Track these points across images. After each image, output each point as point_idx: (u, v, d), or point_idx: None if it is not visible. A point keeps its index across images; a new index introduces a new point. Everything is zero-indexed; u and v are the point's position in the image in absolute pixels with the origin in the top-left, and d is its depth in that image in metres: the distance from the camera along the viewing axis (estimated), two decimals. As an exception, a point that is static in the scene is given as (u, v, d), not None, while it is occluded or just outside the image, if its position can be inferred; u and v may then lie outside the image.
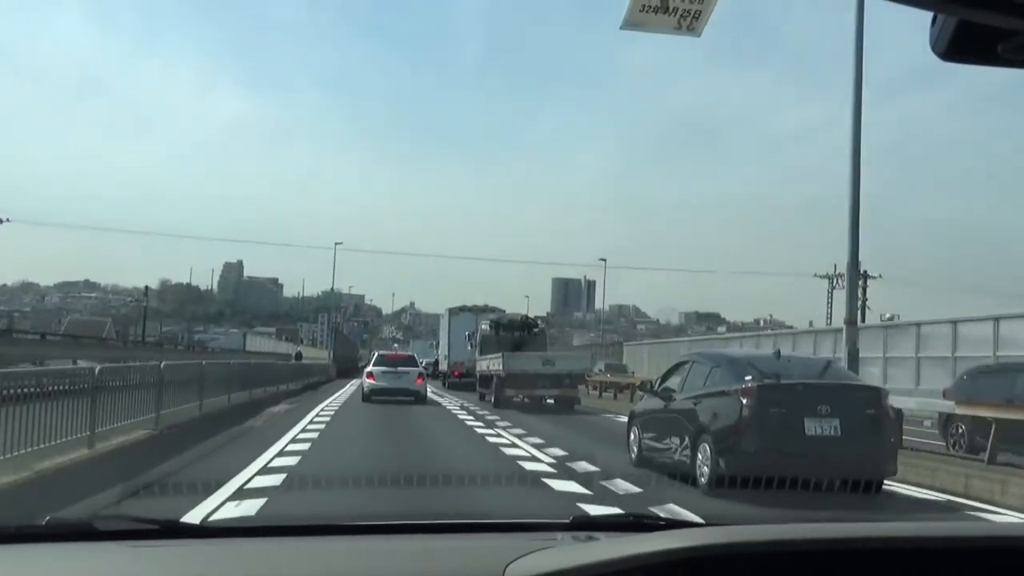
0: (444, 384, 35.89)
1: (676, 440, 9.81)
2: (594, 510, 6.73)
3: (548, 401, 23.22)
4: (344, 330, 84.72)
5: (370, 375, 24.06)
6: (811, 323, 53.56)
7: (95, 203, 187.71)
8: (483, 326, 28.71)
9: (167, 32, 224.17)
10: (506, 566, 1.57)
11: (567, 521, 2.18)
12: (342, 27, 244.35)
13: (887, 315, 36.76)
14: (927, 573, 1.57)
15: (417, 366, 25.15)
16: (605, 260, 60.80)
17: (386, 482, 7.22)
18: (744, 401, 8.90)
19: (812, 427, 8.71)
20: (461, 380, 32.67)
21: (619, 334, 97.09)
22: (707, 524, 2.15)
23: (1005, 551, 1.62)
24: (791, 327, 59.90)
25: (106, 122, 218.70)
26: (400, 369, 24.24)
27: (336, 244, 63.37)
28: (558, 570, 1.53)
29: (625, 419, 19.30)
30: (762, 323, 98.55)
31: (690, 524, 2.37)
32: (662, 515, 4.54)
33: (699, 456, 9.09)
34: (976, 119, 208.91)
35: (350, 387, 31.58)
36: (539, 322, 30.36)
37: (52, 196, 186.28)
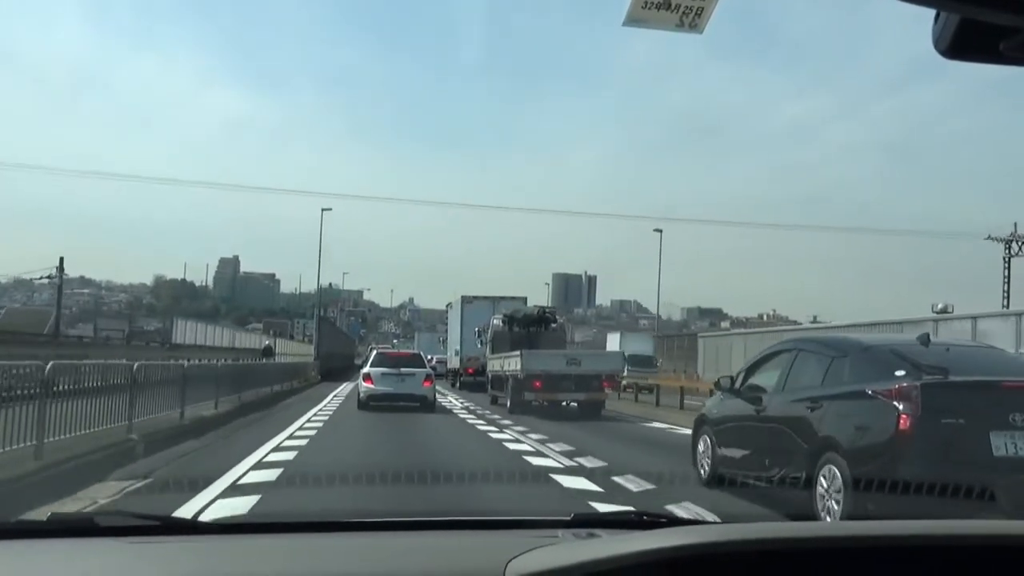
0: (454, 384, 32.70)
1: (778, 458, 7.52)
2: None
3: (572, 405, 20.56)
4: (343, 325, 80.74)
5: (367, 378, 20.29)
6: (815, 318, 53.03)
7: (91, 200, 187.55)
8: (495, 320, 25.69)
9: (165, 29, 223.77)
10: (507, 563, 1.57)
11: (568, 518, 2.18)
12: (342, 24, 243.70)
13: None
14: (942, 572, 1.56)
15: (424, 366, 21.24)
16: (661, 231, 51.48)
17: (387, 479, 7.14)
18: (900, 407, 6.42)
19: (1003, 445, 6.20)
20: (475, 379, 29.19)
21: (619, 329, 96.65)
22: (710, 521, 2.16)
23: (1007, 549, 1.61)
24: (796, 322, 59.26)
25: (103, 119, 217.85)
26: (404, 371, 20.47)
27: (323, 210, 49.10)
28: (559, 567, 1.52)
29: (659, 425, 17.95)
30: (765, 318, 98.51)
31: (692, 521, 2.38)
32: (663, 513, 4.54)
33: (821, 483, 6.75)
34: None
35: (336, 399, 23.42)
36: (557, 316, 27.06)
37: (48, 193, 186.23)
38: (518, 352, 20.72)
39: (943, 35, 1.06)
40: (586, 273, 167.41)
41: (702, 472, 8.94)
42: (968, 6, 1.00)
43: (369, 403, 19.64)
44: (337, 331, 63.95)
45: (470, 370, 30.51)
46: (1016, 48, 1.04)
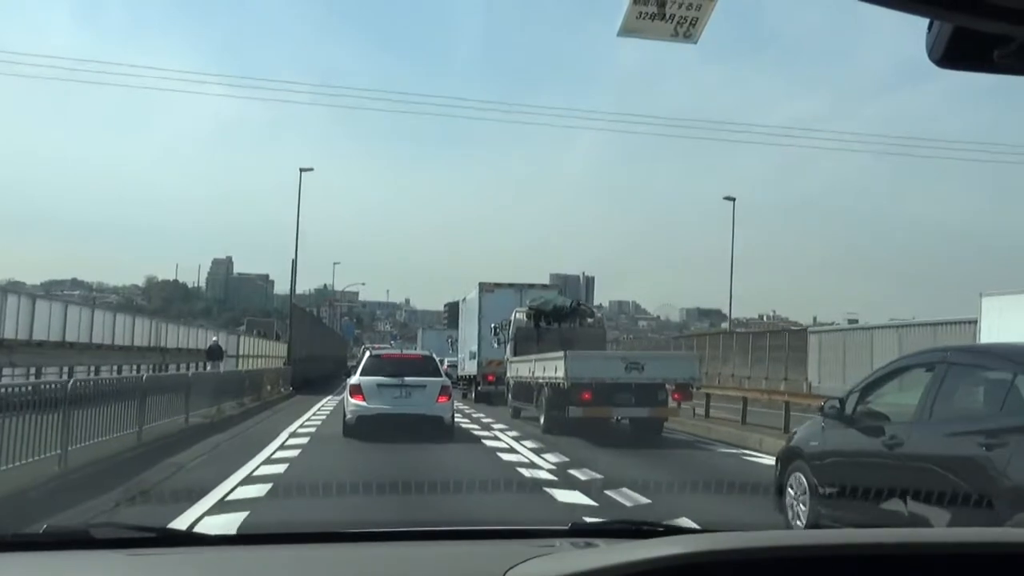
0: (466, 395, 26.39)
1: (931, 513, 5.57)
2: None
3: (622, 421, 16.28)
4: (336, 326, 76.11)
5: (356, 391, 14.43)
6: (815, 319, 52.99)
7: (84, 202, 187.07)
8: (518, 314, 21.05)
9: (154, 30, 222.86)
10: (505, 572, 1.57)
11: (566, 528, 2.19)
12: (336, 23, 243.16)
13: None
14: None
15: (439, 373, 15.45)
16: (734, 199, 41.28)
17: (384, 489, 7.10)
18: None
19: None
20: (497, 388, 23.50)
21: (620, 331, 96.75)
22: (706, 530, 2.16)
23: (1002, 557, 1.61)
24: (796, 323, 58.47)
25: (94, 120, 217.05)
26: (409, 380, 14.60)
27: (302, 170, 39.00)
28: None
29: (759, 456, 12.68)
30: (765, 319, 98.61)
31: (690, 530, 2.37)
32: (661, 523, 4.53)
33: None
34: None
35: (300, 438, 13.82)
36: (595, 310, 22.82)
37: (40, 196, 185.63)
38: (561, 353, 15.73)
39: (937, 44, 1.06)
40: (584, 274, 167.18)
41: (796, 522, 6.93)
42: (962, 15, 0.99)
43: (359, 427, 13.95)
44: (323, 328, 52.96)
45: (490, 377, 24.55)
46: (1010, 57, 1.03)
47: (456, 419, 16.01)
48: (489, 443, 14.01)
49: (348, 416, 14.41)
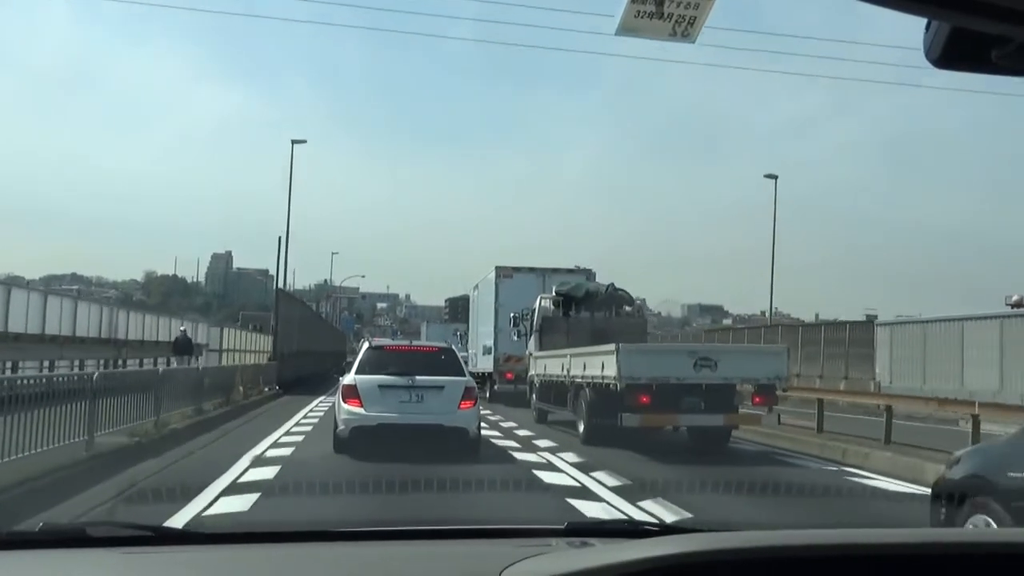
0: (482, 394, 18.93)
1: None
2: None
3: (678, 429, 13.53)
4: (335, 321, 73.73)
5: (350, 394, 11.24)
6: (816, 315, 52.76)
7: (83, 198, 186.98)
8: (543, 302, 18.27)
9: (153, 25, 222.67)
10: (501, 572, 1.56)
11: (562, 527, 2.17)
12: (333, 19, 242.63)
13: None
14: None
15: (461, 372, 12.01)
16: (776, 176, 35.80)
17: (380, 488, 7.00)
18: None
19: None
20: (517, 387, 20.74)
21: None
22: (702, 530, 2.15)
23: (1000, 557, 1.60)
24: (799, 319, 57.94)
25: (92, 117, 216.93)
26: (421, 380, 11.29)
27: (294, 142, 35.19)
28: None
29: (887, 482, 10.04)
30: (766, 315, 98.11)
31: (685, 530, 2.37)
32: (656, 521, 4.55)
33: None
34: None
35: (269, 467, 9.66)
36: (634, 298, 19.28)
37: (41, 192, 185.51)
38: (611, 347, 12.70)
39: (934, 45, 1.05)
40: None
41: None
42: (960, 15, 0.97)
43: (354, 442, 10.86)
44: (316, 318, 47.63)
45: (509, 375, 21.87)
46: (1008, 57, 1.02)
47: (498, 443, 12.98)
48: (520, 456, 11.61)
49: (340, 427, 11.15)
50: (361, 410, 11.07)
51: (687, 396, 12.50)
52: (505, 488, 8.60)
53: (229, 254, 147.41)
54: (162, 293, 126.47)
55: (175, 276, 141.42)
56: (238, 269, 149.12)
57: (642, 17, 3.03)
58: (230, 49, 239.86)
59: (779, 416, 15.84)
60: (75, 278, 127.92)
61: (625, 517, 6.65)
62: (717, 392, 12.62)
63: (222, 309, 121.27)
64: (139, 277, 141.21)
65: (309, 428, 14.55)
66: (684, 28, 2.95)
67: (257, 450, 11.09)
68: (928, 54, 1.06)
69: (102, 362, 24.35)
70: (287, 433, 13.58)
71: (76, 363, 22.65)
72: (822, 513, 8.03)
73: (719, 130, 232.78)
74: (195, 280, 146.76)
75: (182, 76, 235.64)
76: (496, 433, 14.40)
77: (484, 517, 5.37)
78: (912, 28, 1.05)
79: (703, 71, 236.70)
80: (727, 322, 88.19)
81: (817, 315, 55.58)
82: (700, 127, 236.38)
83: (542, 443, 13.07)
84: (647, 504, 7.70)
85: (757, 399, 13.37)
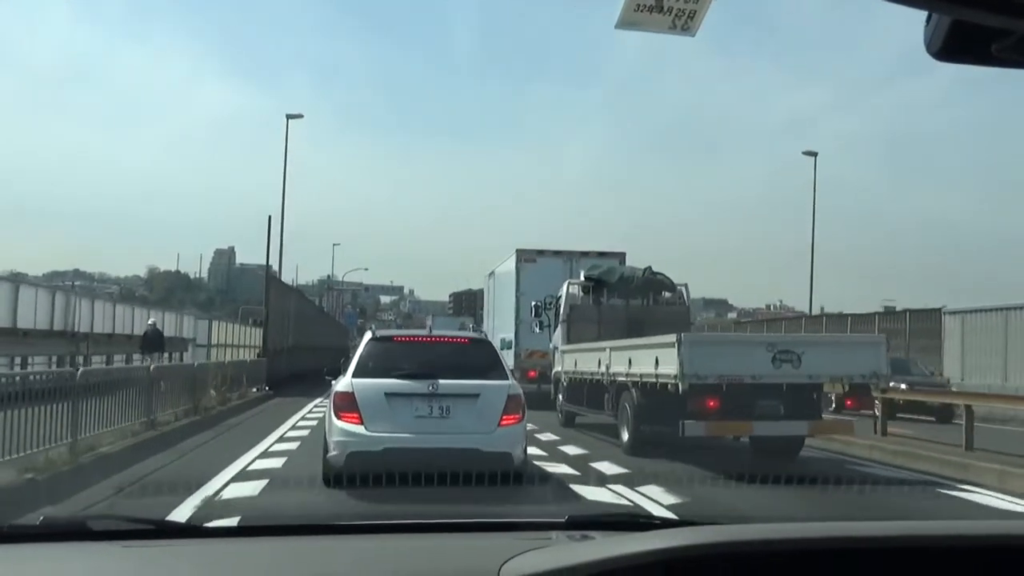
0: None
1: None
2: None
3: (742, 440, 11.45)
4: (337, 316, 69.76)
5: (345, 407, 8.01)
6: (822, 308, 52.47)
7: (86, 195, 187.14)
8: (571, 289, 16.00)
9: (156, 22, 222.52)
10: (501, 565, 1.57)
11: (563, 520, 2.17)
12: (335, 15, 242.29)
13: None
14: (922, 573, 1.55)
15: (502, 373, 8.70)
16: (815, 154, 35.60)
17: (379, 481, 6.84)
18: None
19: None
20: (540, 387, 17.96)
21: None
22: (704, 523, 2.16)
23: (999, 549, 1.59)
24: (804, 312, 57.98)
25: (95, 114, 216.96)
26: (446, 386, 8.08)
27: (289, 117, 33.21)
28: (553, 569, 1.52)
29: (974, 498, 8.28)
30: (772, 308, 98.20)
31: (685, 523, 2.37)
32: (657, 514, 4.56)
33: None
34: None
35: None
36: (675, 284, 16.38)
37: (43, 188, 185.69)
38: (672, 338, 10.46)
39: (935, 37, 1.06)
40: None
41: None
42: (960, 8, 0.98)
43: (351, 469, 7.45)
44: (315, 311, 42.47)
45: (532, 373, 18.99)
46: (1009, 50, 1.03)
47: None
48: (551, 468, 9.67)
49: (332, 451, 7.97)
50: (361, 428, 7.86)
51: (763, 399, 10.41)
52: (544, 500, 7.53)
53: (232, 250, 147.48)
54: (165, 289, 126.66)
55: (178, 272, 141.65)
56: (241, 265, 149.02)
57: (642, 10, 3.02)
58: (232, 45, 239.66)
59: (876, 424, 12.88)
60: (77, 273, 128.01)
61: (626, 508, 6.67)
62: (799, 393, 10.54)
63: (225, 305, 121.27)
64: (142, 273, 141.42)
65: (295, 446, 11.20)
66: (684, 21, 2.95)
67: (213, 484, 7.79)
68: (928, 47, 1.07)
69: (54, 359, 20.99)
70: (264, 455, 10.27)
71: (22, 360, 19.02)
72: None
73: (741, 118, 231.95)
74: (198, 276, 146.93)
75: (184, 72, 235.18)
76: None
77: (483, 509, 5.29)
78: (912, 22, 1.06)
79: (704, 64, 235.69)
80: (732, 316, 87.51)
81: (823, 307, 55.31)
82: (702, 123, 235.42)
83: (571, 449, 11.46)
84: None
85: (849, 401, 11.22)
